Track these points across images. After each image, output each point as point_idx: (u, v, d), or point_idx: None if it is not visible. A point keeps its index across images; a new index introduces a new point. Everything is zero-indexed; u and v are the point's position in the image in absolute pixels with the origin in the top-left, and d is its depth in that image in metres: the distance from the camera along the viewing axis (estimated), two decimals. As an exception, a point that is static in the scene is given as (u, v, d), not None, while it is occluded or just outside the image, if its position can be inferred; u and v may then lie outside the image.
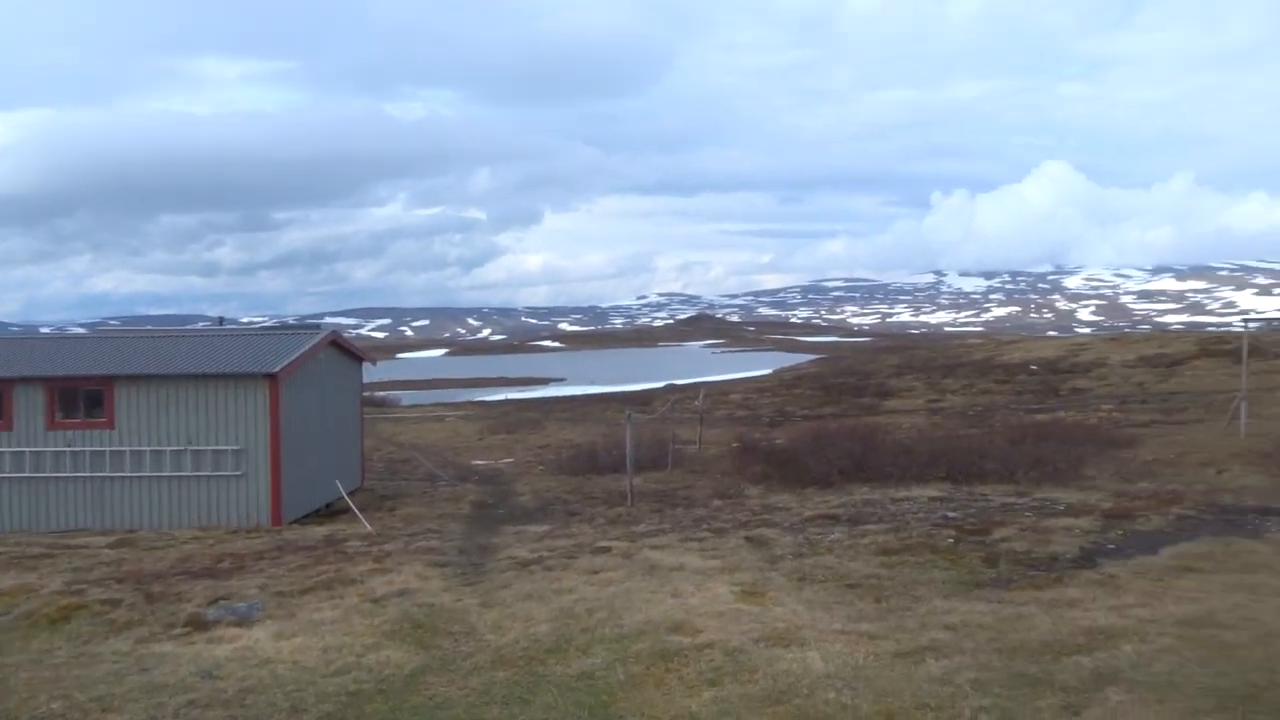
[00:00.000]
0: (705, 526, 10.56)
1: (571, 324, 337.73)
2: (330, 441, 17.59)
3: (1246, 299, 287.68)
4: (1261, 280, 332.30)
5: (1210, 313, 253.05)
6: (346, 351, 19.18)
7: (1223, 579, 6.79)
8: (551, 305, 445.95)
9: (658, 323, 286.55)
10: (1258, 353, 32.61)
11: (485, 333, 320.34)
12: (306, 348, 16.02)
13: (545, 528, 12.21)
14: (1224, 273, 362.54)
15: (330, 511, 16.78)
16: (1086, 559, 7.76)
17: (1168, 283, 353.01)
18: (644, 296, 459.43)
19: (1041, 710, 4.46)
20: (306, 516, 15.99)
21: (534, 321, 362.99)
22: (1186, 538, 8.36)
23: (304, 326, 18.56)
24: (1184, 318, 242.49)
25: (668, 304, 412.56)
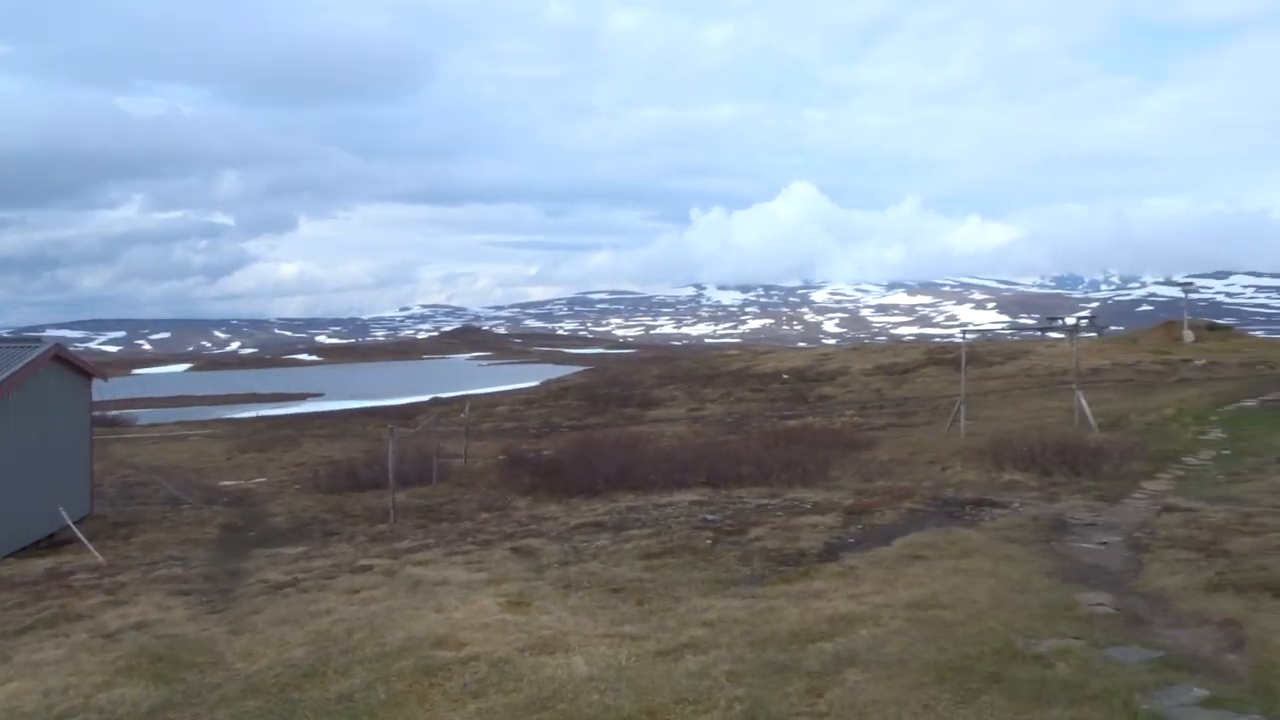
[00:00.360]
0: (471, 540, 10.46)
1: (330, 336, 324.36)
2: (52, 466, 15.94)
3: (966, 312, 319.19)
4: (978, 296, 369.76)
5: (937, 325, 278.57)
6: (73, 367, 17.48)
7: (944, 564, 7.49)
8: (308, 317, 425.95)
9: (422, 335, 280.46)
10: (975, 361, 36.25)
11: (234, 346, 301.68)
12: (21, 365, 14.45)
13: (301, 549, 11.66)
14: (947, 288, 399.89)
15: (54, 543, 15.20)
16: (830, 553, 8.33)
17: (900, 297, 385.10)
18: (407, 308, 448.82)
19: (790, 694, 4.75)
20: (24, 549, 14.41)
21: (289, 334, 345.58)
22: (915, 529, 9.15)
23: (20, 340, 16.72)
24: (915, 329, 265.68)
25: (432, 316, 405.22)
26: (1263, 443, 16.31)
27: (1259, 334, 65.88)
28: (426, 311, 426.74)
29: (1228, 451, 15.96)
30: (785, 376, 39.11)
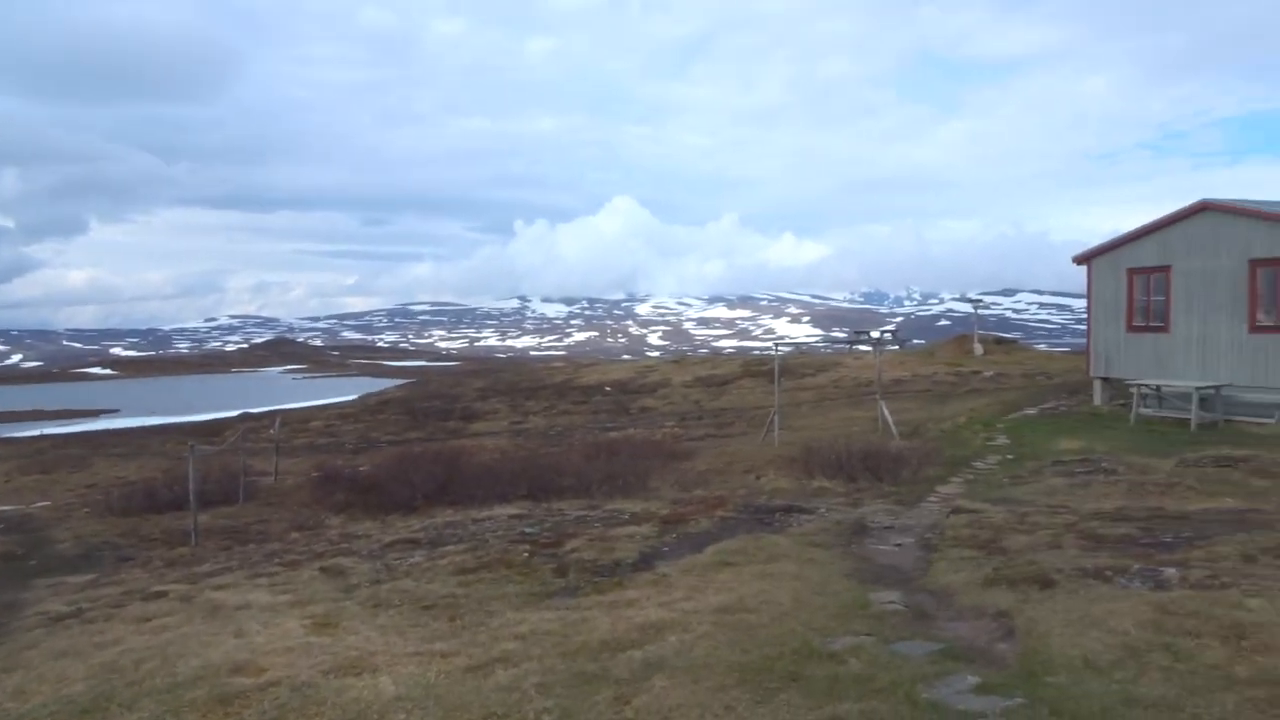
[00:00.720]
0: (278, 560, 10.02)
1: (126, 348, 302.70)
2: None
3: (783, 326, 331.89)
4: (794, 310, 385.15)
5: (755, 338, 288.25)
6: None
7: (752, 569, 7.77)
8: (101, 327, 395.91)
9: (230, 347, 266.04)
10: (788, 373, 37.75)
11: (16, 358, 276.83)
12: None
13: (89, 576, 10.85)
14: (765, 303, 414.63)
15: None
16: (645, 562, 8.48)
17: (721, 311, 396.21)
18: (214, 319, 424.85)
19: (598, 703, 4.81)
20: None
21: (79, 346, 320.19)
22: (727, 536, 9.45)
23: None
24: (735, 342, 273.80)
25: (242, 327, 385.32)
26: (1041, 447, 17.70)
27: (1041, 347, 71.69)
28: (235, 322, 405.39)
29: (1011, 456, 17.23)
30: (608, 389, 39.51)
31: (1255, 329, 19.61)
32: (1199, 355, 20.72)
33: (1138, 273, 22.30)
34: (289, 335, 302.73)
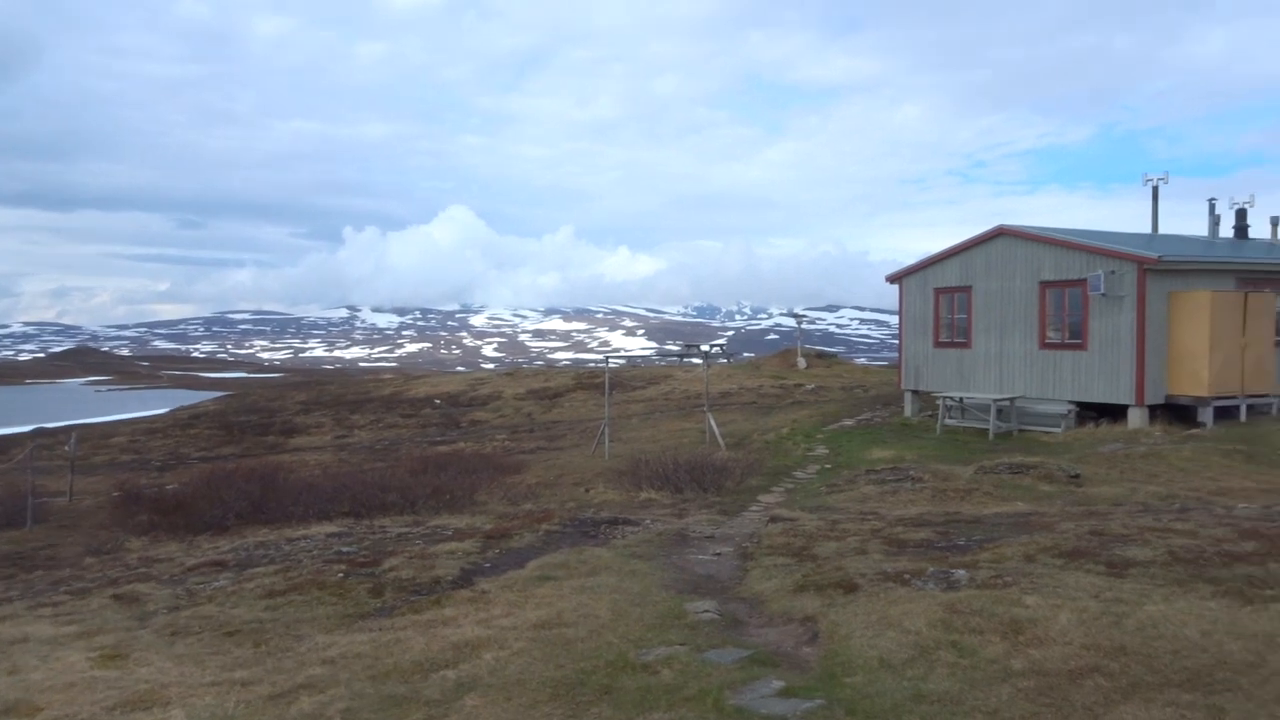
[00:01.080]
0: (65, 589, 9.29)
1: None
2: None
3: (618, 338, 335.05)
4: (629, 323, 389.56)
5: (591, 350, 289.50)
6: None
7: (573, 583, 7.77)
8: None
9: (25, 356, 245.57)
10: (620, 385, 38.11)
11: None
12: None
13: None
14: (601, 315, 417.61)
15: None
16: (465, 579, 8.35)
17: (557, 323, 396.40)
18: (5, 325, 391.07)
19: (406, 727, 4.69)
20: None
21: None
22: (551, 550, 9.42)
23: None
24: (570, 354, 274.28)
25: (38, 335, 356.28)
26: (857, 457, 18.55)
27: (862, 361, 75.29)
28: (30, 330, 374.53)
29: (829, 466, 17.98)
30: (438, 401, 38.78)
31: (1045, 345, 21.24)
32: (997, 369, 22.26)
33: (943, 292, 23.77)
34: (92, 344, 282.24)
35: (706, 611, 6.69)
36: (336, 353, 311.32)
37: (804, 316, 53.07)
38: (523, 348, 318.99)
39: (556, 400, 37.17)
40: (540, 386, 39.97)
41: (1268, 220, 26.09)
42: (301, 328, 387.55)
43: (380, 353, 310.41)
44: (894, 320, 26.06)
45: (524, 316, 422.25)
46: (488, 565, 8.90)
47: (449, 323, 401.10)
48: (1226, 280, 20.39)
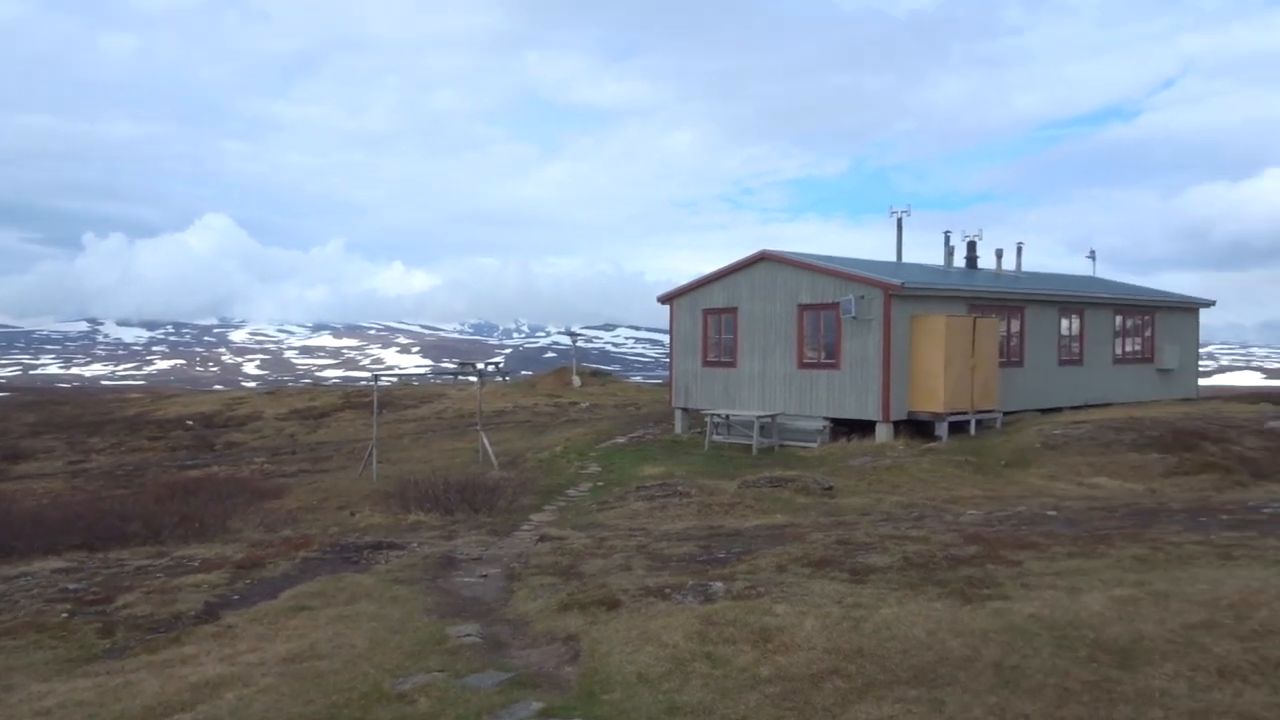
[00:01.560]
0: None
1: None
2: None
3: (392, 356, 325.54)
4: (403, 340, 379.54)
5: (363, 368, 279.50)
6: None
7: (330, 612, 7.42)
8: None
9: None
10: (391, 404, 37.07)
11: None
12: None
13: None
14: (373, 332, 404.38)
15: None
16: (210, 613, 7.78)
17: (326, 339, 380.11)
18: None
19: (129, 781, 4.29)
20: None
21: None
22: (307, 578, 8.95)
23: None
24: (341, 372, 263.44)
25: None
26: (629, 474, 18.90)
27: (637, 379, 76.90)
28: None
29: (601, 483, 18.21)
30: (190, 423, 36.18)
31: (803, 365, 22.53)
32: (760, 388, 23.38)
33: (711, 313, 24.73)
34: None
35: (469, 635, 6.57)
36: (75, 370, 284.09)
37: (580, 335, 53.68)
38: (288, 365, 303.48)
39: (322, 420, 35.63)
40: (305, 406, 38.17)
41: (994, 252, 28.90)
42: (32, 342, 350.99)
43: (126, 370, 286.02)
44: (668, 340, 26.85)
45: (290, 332, 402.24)
46: (236, 597, 8.35)
47: (205, 338, 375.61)
48: (959, 306, 22.43)
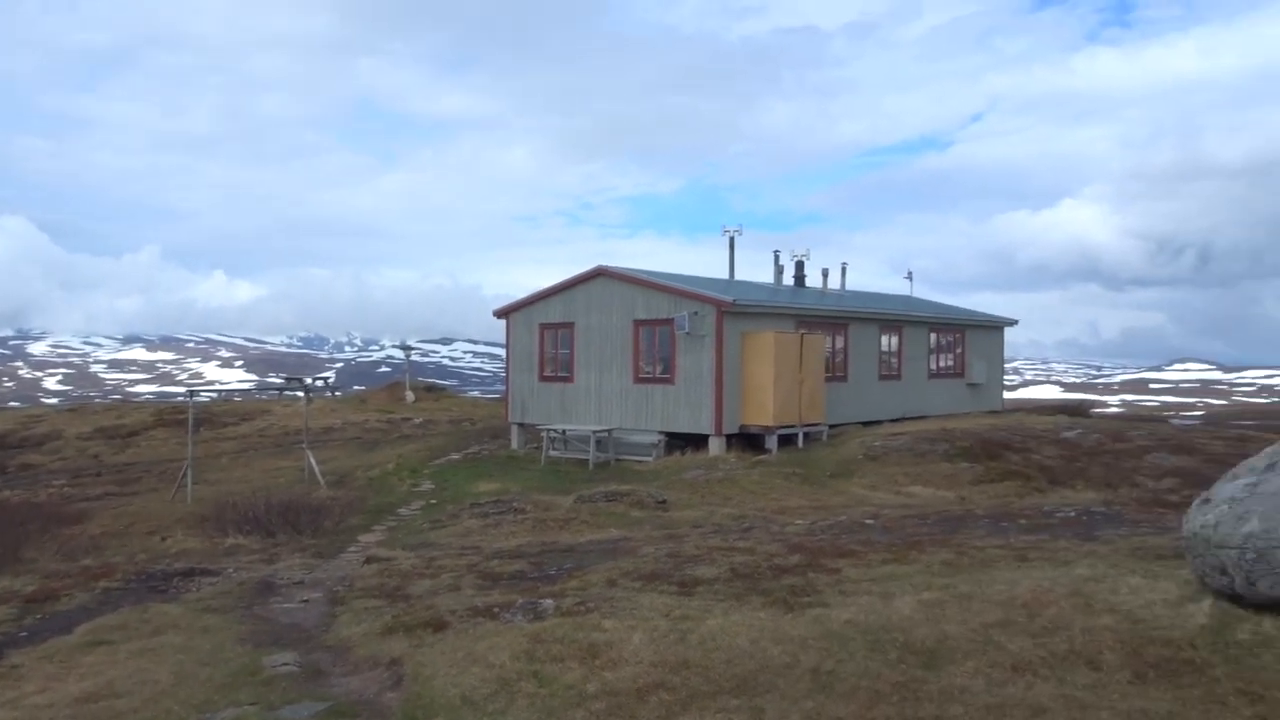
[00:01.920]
0: None
1: None
2: None
3: (213, 370, 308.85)
4: (225, 353, 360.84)
5: (180, 382, 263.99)
6: None
7: (132, 646, 6.93)
8: None
9: None
10: (210, 422, 35.13)
11: None
12: None
13: None
14: (192, 344, 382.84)
15: None
16: (-7, 652, 7.13)
17: (139, 352, 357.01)
18: None
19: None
20: None
21: None
22: (108, 610, 8.34)
23: None
24: (155, 387, 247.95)
25: None
26: (463, 491, 18.57)
27: (475, 394, 75.77)
28: None
29: (434, 501, 17.82)
30: (-19, 443, 33.19)
31: (639, 379, 22.78)
32: (596, 402, 23.48)
33: (548, 328, 24.68)
34: None
35: (286, 664, 6.27)
36: None
37: (415, 349, 52.48)
38: (95, 380, 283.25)
39: (131, 440, 33.39)
40: (112, 424, 35.68)
41: (820, 271, 30.14)
42: None
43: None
44: (505, 354, 26.59)
45: (98, 345, 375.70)
46: (24, 634, 7.68)
47: (1, 351, 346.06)
48: (788, 323, 23.24)
